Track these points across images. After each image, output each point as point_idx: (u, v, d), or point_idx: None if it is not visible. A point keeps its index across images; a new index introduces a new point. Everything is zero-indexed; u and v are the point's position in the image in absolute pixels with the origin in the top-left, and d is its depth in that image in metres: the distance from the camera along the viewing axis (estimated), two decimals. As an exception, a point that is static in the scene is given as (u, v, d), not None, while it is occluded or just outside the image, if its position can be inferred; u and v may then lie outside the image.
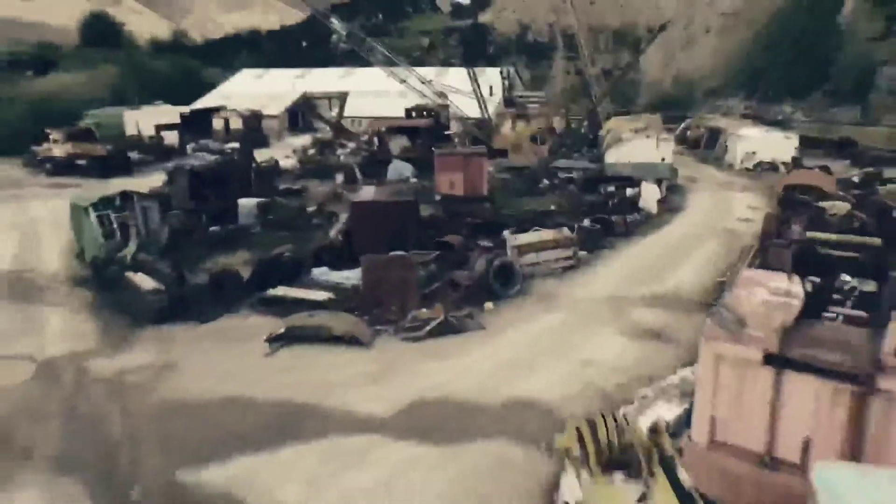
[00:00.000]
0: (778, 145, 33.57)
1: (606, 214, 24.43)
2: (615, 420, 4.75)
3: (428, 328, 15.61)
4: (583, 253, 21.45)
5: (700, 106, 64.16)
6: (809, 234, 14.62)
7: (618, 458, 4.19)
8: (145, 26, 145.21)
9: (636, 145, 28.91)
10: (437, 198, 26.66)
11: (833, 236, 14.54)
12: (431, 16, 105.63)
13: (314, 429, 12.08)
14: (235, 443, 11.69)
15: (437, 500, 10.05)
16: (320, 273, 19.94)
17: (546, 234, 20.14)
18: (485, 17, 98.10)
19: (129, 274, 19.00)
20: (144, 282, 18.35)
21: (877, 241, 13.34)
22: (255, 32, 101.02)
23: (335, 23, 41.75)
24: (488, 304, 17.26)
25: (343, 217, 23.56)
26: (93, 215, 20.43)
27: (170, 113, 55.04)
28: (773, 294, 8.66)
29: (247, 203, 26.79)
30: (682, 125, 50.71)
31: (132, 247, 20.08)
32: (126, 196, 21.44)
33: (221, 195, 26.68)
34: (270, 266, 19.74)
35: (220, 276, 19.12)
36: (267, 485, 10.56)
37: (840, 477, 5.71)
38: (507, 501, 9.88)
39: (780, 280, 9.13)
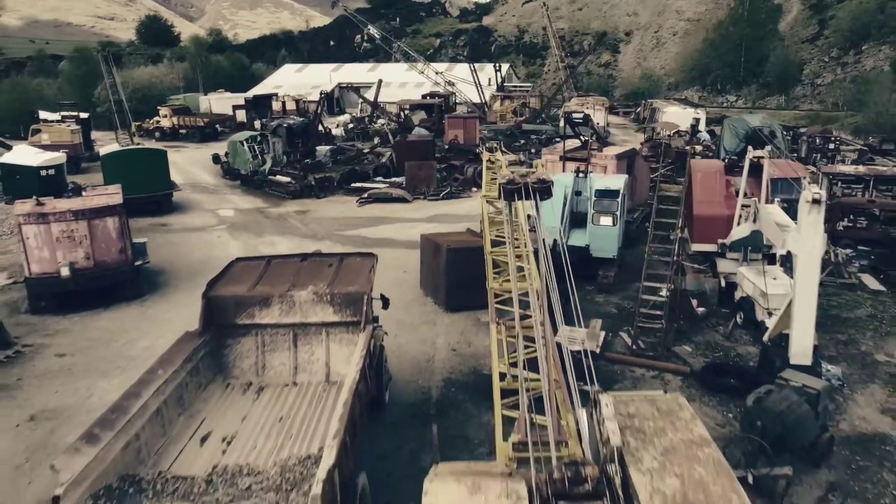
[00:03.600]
0: (687, 118, 47.67)
1: (553, 154, 38.80)
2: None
3: (442, 194, 30.18)
4: (534, 173, 35.91)
5: (662, 96, 78.25)
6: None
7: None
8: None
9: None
10: (446, 146, 40.92)
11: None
12: (442, 19, 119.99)
13: (390, 221, 26.63)
14: (356, 226, 26.22)
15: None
16: (378, 179, 34.48)
17: (509, 156, 34.51)
18: (488, 21, 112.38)
19: (271, 176, 33.59)
20: (283, 179, 32.94)
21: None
22: (289, 33, 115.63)
23: (371, 28, 56.20)
24: (474, 189, 31.74)
25: (387, 153, 37.94)
26: (246, 145, 34.90)
27: (232, 98, 69.88)
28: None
29: (322, 148, 41.28)
30: (638, 108, 65.17)
31: (269, 163, 34.59)
32: (262, 135, 36.00)
33: (305, 143, 41.11)
34: (350, 174, 34.27)
35: (323, 178, 33.63)
36: (374, 233, 25.07)
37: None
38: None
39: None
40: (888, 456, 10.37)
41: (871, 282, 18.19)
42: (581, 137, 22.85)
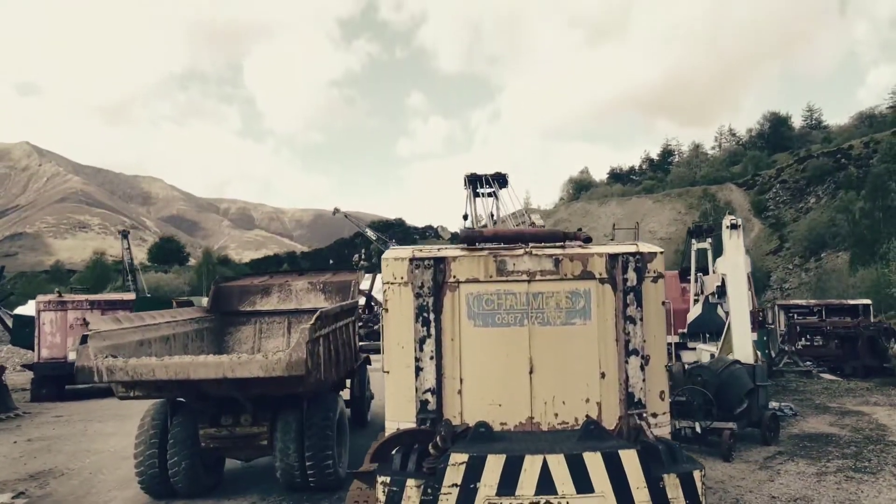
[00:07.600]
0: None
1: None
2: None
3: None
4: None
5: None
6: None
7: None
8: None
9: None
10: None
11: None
12: (434, 241, 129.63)
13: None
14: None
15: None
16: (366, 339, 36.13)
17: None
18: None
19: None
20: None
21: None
22: (292, 253, 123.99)
23: (369, 232, 61.53)
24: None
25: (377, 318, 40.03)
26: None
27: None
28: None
29: (317, 324, 43.49)
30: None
31: (266, 327, 36.47)
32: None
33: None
34: (342, 336, 36.04)
35: (316, 338, 35.34)
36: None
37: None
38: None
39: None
40: (832, 441, 11.17)
41: (827, 375, 19.38)
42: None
